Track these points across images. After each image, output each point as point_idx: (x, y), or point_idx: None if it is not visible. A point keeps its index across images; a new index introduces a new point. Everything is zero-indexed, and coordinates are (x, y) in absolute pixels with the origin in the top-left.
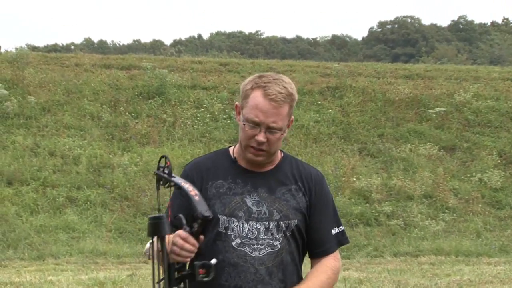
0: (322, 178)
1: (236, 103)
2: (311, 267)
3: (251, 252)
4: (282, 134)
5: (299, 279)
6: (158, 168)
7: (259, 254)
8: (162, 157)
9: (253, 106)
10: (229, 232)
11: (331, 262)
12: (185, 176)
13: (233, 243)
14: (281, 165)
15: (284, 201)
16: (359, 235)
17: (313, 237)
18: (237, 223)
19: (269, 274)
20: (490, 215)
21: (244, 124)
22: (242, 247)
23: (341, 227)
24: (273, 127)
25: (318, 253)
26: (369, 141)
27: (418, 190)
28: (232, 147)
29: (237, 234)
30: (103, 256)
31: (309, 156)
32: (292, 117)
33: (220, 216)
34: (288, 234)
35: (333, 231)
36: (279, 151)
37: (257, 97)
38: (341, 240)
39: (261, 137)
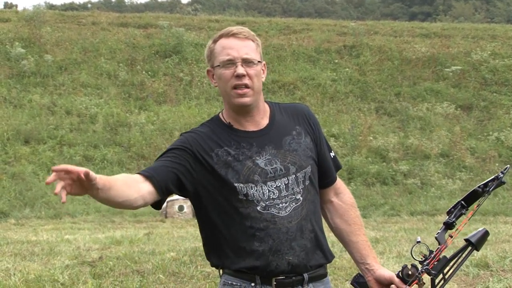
0: (308, 108)
1: (207, 69)
2: (321, 197)
3: (278, 212)
4: (259, 71)
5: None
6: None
7: (286, 212)
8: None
9: (221, 49)
10: (250, 198)
11: (347, 196)
12: (183, 142)
13: (258, 208)
14: (274, 115)
15: (293, 152)
16: (376, 194)
17: (321, 170)
18: (255, 188)
19: (300, 229)
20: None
21: (220, 69)
22: (268, 210)
23: (332, 151)
24: (248, 59)
25: (327, 183)
26: (386, 100)
27: (435, 149)
28: (220, 114)
29: (260, 198)
30: (119, 215)
31: (326, 115)
32: (264, 62)
33: (236, 184)
34: (307, 184)
35: (331, 156)
36: (265, 104)
37: (221, 42)
38: (338, 164)
39: (240, 69)
